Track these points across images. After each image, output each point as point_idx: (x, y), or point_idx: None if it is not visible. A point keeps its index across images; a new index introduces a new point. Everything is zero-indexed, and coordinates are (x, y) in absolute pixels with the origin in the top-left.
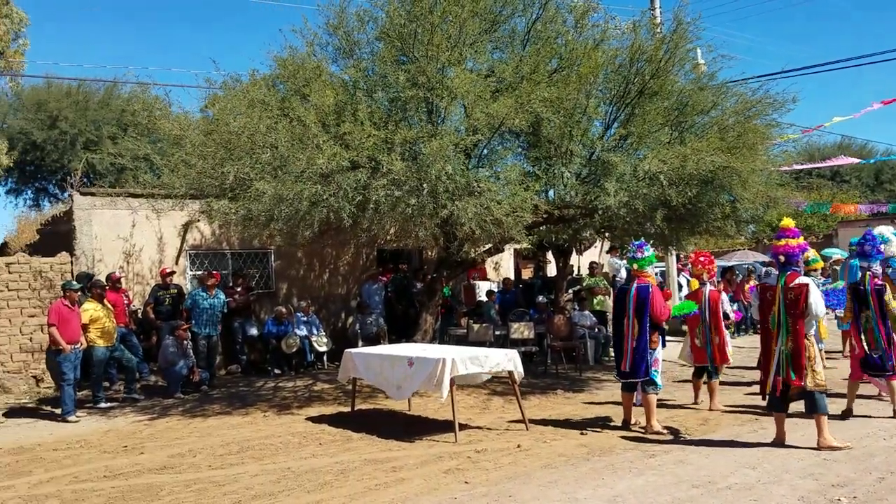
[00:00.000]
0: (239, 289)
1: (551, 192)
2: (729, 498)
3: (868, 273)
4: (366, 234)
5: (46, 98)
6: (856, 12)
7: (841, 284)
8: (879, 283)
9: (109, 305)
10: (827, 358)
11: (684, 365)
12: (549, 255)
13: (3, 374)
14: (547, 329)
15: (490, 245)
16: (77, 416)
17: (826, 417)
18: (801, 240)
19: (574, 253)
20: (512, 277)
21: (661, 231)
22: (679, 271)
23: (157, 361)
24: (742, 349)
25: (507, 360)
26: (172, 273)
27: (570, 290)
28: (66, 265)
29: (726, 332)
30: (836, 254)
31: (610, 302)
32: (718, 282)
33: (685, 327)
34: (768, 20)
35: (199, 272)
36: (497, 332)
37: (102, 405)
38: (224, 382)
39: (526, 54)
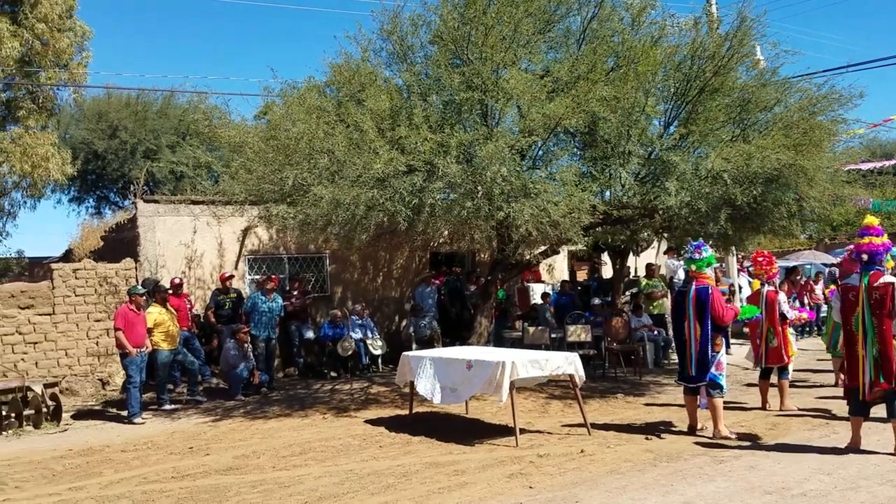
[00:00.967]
0: (295, 292)
1: (608, 193)
2: None
3: None
4: (420, 237)
5: (107, 109)
6: None
7: None
8: None
9: (173, 310)
10: None
11: (747, 368)
12: (605, 257)
13: (70, 377)
14: (604, 332)
15: (545, 247)
16: (143, 418)
17: None
18: (884, 238)
19: (631, 254)
20: (567, 279)
21: (724, 231)
22: (739, 272)
23: (219, 364)
24: (807, 352)
25: (568, 364)
26: (232, 277)
27: (628, 293)
28: (131, 271)
29: (790, 333)
30: None
31: (668, 304)
32: (782, 282)
33: (746, 329)
34: (832, 14)
35: (258, 276)
36: (553, 335)
37: (167, 407)
38: (282, 385)
39: (582, 53)
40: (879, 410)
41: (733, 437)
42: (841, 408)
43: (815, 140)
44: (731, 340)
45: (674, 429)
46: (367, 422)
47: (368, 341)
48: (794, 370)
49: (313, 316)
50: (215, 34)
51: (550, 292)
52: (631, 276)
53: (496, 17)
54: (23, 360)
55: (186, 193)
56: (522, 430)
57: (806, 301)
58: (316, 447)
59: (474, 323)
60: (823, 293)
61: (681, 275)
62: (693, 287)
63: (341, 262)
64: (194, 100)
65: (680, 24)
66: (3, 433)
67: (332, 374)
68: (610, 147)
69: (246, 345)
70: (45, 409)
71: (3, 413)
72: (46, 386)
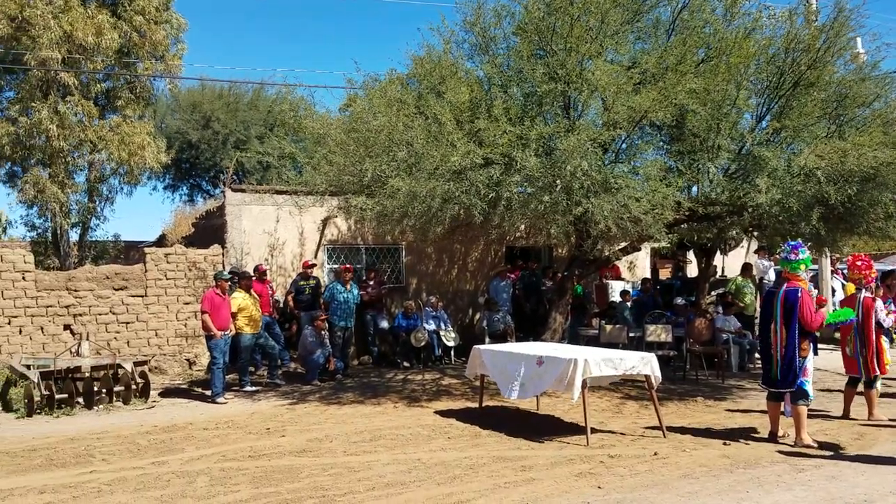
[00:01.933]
0: (371, 283)
1: (695, 189)
2: None
3: None
4: (496, 230)
5: (201, 100)
6: None
7: None
8: None
9: (256, 295)
10: None
11: (837, 374)
12: (690, 255)
13: (159, 356)
14: (686, 333)
15: (626, 243)
16: (225, 398)
17: None
18: None
19: (718, 253)
20: (649, 277)
21: (817, 231)
22: (833, 274)
23: (297, 350)
24: None
25: (644, 364)
26: (314, 265)
27: (714, 293)
28: (218, 256)
29: (885, 342)
30: None
31: (757, 305)
32: (877, 287)
33: (837, 335)
34: None
35: (336, 265)
36: (631, 335)
37: (248, 389)
38: (357, 372)
39: (671, 44)
40: None
41: (816, 445)
42: None
43: None
44: (821, 346)
45: (754, 435)
46: (437, 412)
47: (441, 333)
48: (882, 378)
49: (388, 306)
50: (303, 26)
51: (630, 290)
52: (717, 276)
53: (583, 7)
54: (115, 338)
55: (272, 183)
56: (594, 430)
57: None
58: (386, 435)
59: (549, 319)
60: None
61: (771, 275)
62: (783, 288)
63: (417, 253)
64: (282, 92)
65: (775, 16)
66: (95, 408)
67: (405, 363)
68: (698, 141)
69: (323, 332)
70: (134, 387)
71: (95, 389)
72: (136, 364)
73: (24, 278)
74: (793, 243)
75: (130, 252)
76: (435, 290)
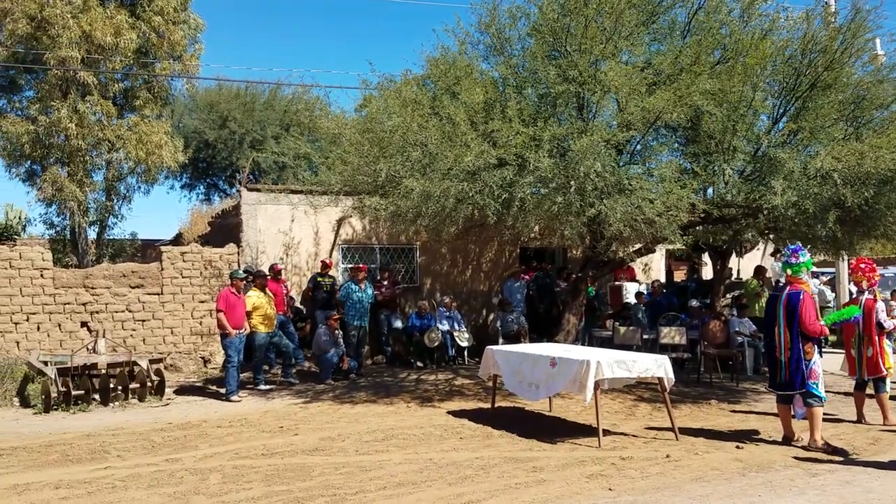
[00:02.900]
0: (385, 282)
1: (710, 191)
2: None
3: None
4: (510, 231)
5: (218, 99)
6: None
7: None
8: None
9: (271, 294)
10: None
11: (843, 376)
12: (705, 257)
13: (175, 354)
14: (701, 335)
15: (640, 245)
16: (240, 397)
17: None
18: None
19: (734, 255)
20: (663, 279)
21: (833, 234)
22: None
23: (311, 348)
24: None
25: (657, 366)
26: (330, 265)
27: (729, 295)
28: (234, 255)
29: (887, 345)
30: None
31: None
32: (894, 292)
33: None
34: None
35: (350, 265)
36: (645, 336)
37: (262, 387)
38: (370, 372)
39: (686, 45)
40: None
41: (829, 448)
42: None
43: None
44: (827, 349)
45: (768, 438)
46: (449, 413)
47: (455, 333)
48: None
49: (402, 306)
50: (319, 27)
51: (645, 292)
52: (733, 279)
53: (597, 8)
54: (131, 336)
55: (288, 183)
56: (606, 432)
57: None
58: (398, 434)
59: (562, 320)
60: None
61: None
62: (786, 292)
63: (431, 253)
64: (298, 92)
65: (792, 18)
66: (111, 405)
67: (419, 363)
68: (714, 142)
69: (337, 331)
70: (149, 384)
71: (111, 385)
72: (152, 362)
73: (42, 276)
74: (793, 247)
75: (147, 250)
76: (449, 291)
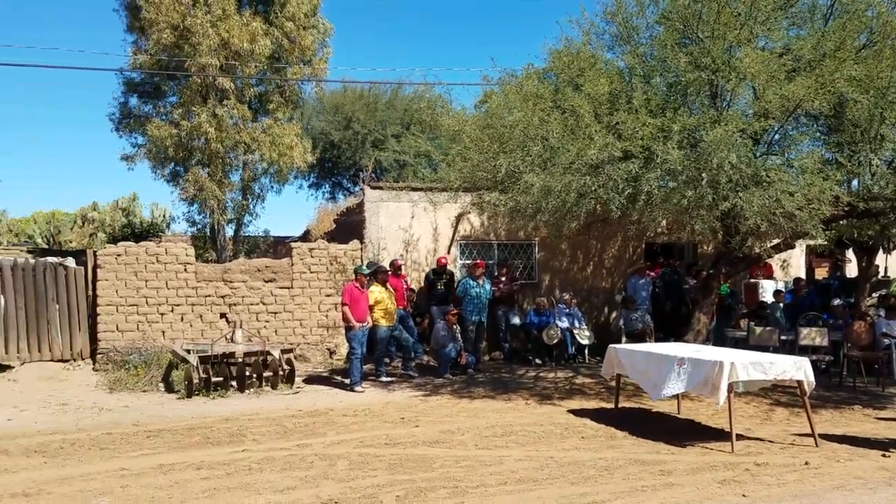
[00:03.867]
0: (503, 278)
1: (855, 182)
2: None
3: None
4: (635, 226)
5: (343, 101)
6: None
7: None
8: None
9: (391, 289)
10: None
11: None
12: (850, 254)
13: (303, 345)
14: (844, 337)
15: (778, 240)
16: (363, 388)
17: None
18: None
19: (881, 251)
20: (803, 277)
21: None
22: None
23: (430, 343)
24: None
25: (796, 369)
26: (446, 262)
27: (875, 294)
28: (357, 251)
29: None
30: None
31: None
32: None
33: None
34: None
35: (468, 261)
36: (783, 337)
37: (384, 379)
38: (488, 367)
39: (829, 30)
40: None
41: None
42: None
43: None
44: None
45: None
46: (570, 411)
47: (575, 331)
48: None
49: (520, 302)
50: (441, 24)
51: (783, 290)
52: (879, 276)
53: None
54: (265, 327)
55: (408, 181)
56: (740, 436)
57: None
58: (517, 431)
59: (692, 319)
60: None
61: None
62: None
63: (550, 249)
64: (419, 90)
65: None
66: (246, 391)
67: (537, 361)
68: (859, 131)
69: (455, 326)
70: (281, 373)
71: (247, 373)
72: (283, 351)
73: (185, 270)
74: None
75: (277, 246)
76: (569, 287)
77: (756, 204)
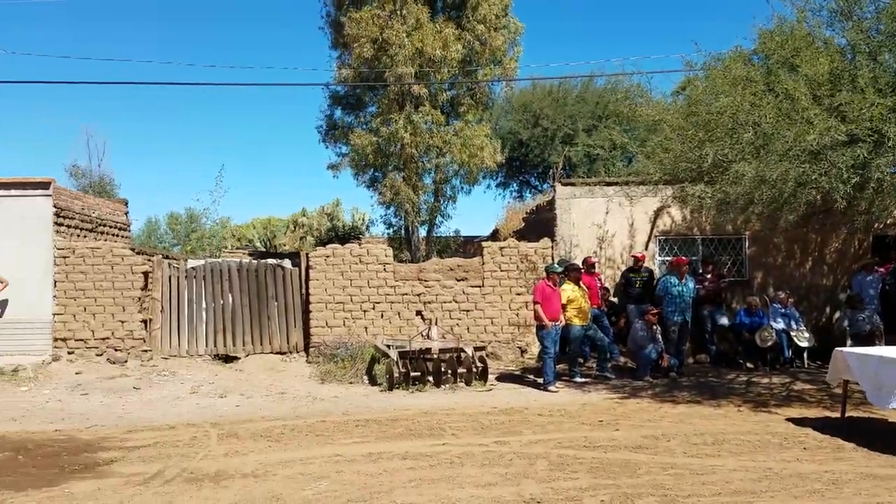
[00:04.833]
0: (709, 276)
1: None
2: None
3: None
4: (862, 217)
5: (531, 99)
6: None
7: None
8: None
9: (585, 287)
10: None
11: None
12: None
13: (495, 343)
14: None
15: None
16: (556, 387)
17: None
18: None
19: None
20: None
21: None
22: None
23: (626, 344)
24: None
25: None
26: (643, 258)
27: None
28: (548, 249)
29: None
30: None
31: None
32: None
33: None
34: None
35: (668, 258)
36: None
37: (578, 380)
38: (692, 371)
39: None
40: None
41: None
42: None
43: None
44: None
45: None
46: (789, 420)
47: (792, 333)
48: None
49: (728, 301)
50: (637, 10)
51: None
52: None
53: None
54: (457, 325)
55: (600, 175)
56: None
57: None
58: (730, 439)
59: None
60: None
61: None
62: None
63: (763, 244)
64: (612, 81)
65: None
66: (442, 387)
67: (748, 364)
68: None
69: (654, 327)
70: (474, 370)
71: (442, 369)
72: (476, 349)
73: (385, 269)
74: None
75: (466, 246)
76: (784, 285)
77: None
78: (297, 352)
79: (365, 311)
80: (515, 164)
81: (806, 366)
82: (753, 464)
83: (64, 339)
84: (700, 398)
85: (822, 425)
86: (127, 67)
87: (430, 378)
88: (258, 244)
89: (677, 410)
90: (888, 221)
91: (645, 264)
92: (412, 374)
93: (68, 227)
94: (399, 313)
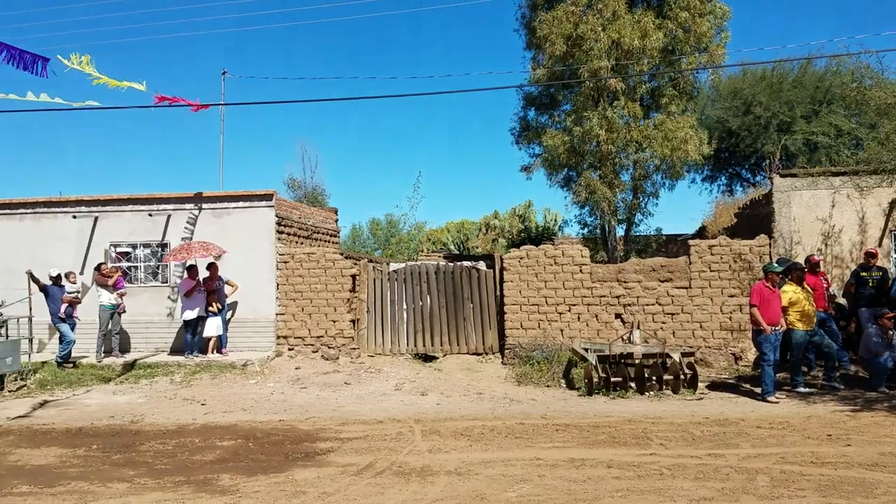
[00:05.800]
0: None
1: None
2: None
3: None
4: None
5: (741, 85)
6: None
7: None
8: None
9: (808, 288)
10: None
11: None
12: None
13: (704, 348)
14: None
15: None
16: (777, 398)
17: None
18: None
19: None
20: None
21: None
22: None
23: (858, 350)
24: None
25: None
26: (876, 255)
27: None
28: (765, 247)
29: None
30: None
31: None
32: None
33: None
34: None
35: None
36: None
37: (801, 389)
38: None
39: None
40: None
41: None
42: None
43: None
44: None
45: None
46: None
47: None
48: None
49: None
50: None
51: None
52: None
53: None
54: (661, 329)
55: (822, 165)
56: None
57: None
58: None
59: None
60: None
61: None
62: None
63: None
64: (834, 63)
65: None
66: (646, 394)
67: None
68: None
69: (891, 332)
70: (682, 377)
71: (646, 375)
72: (684, 355)
73: (581, 271)
74: None
75: (669, 245)
76: None
77: None
78: (493, 353)
79: (560, 314)
80: (724, 155)
81: None
82: None
83: (285, 337)
84: None
85: None
86: (337, 84)
87: (633, 384)
88: (452, 247)
89: None
90: None
91: (879, 262)
92: (613, 379)
93: (288, 234)
94: (596, 316)
